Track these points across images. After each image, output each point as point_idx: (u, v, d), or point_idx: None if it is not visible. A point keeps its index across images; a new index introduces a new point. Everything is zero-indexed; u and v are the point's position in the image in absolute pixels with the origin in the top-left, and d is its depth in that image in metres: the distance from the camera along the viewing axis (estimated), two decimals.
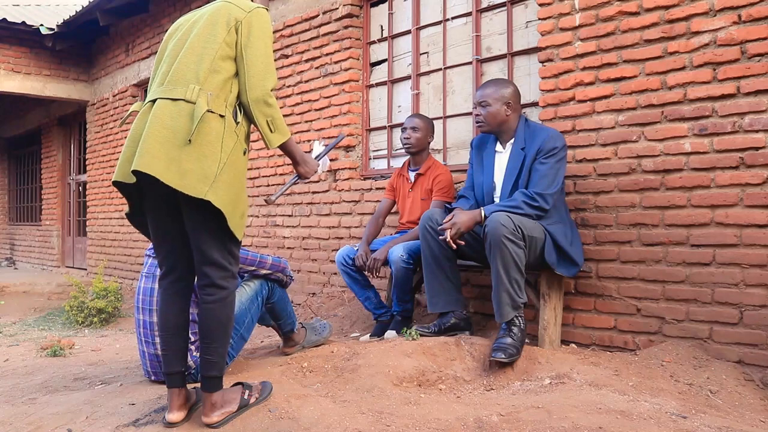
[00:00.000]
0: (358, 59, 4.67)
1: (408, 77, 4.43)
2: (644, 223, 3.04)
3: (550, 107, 3.40)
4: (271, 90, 2.15)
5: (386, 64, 4.58)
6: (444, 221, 2.94)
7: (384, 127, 4.59)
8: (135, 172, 2.02)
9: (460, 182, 3.70)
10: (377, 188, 4.38)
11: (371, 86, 4.68)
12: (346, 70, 4.64)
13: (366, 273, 3.55)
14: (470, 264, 3.26)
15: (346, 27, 4.67)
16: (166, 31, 2.28)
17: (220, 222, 2.07)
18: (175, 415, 2.15)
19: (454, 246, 2.91)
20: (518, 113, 3.14)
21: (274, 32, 5.20)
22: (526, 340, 2.88)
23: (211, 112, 2.06)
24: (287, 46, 5.15)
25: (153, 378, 2.70)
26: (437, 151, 4.17)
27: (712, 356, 2.78)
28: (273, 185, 5.28)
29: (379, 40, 4.62)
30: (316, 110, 4.87)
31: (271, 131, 2.16)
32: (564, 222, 3.00)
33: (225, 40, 2.13)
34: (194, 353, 2.54)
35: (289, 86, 5.13)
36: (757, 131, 2.71)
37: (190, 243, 2.14)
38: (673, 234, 2.95)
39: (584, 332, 3.24)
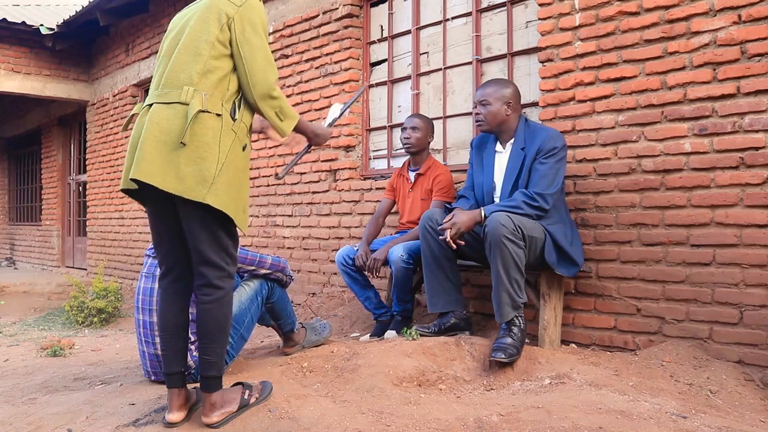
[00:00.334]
0: (358, 59, 4.67)
1: (408, 77, 4.43)
2: (644, 223, 3.04)
3: (550, 107, 3.40)
4: (275, 83, 2.17)
5: (386, 64, 4.58)
6: (444, 221, 2.94)
7: (384, 127, 4.59)
8: (134, 179, 2.04)
9: (460, 182, 3.70)
10: (377, 188, 4.38)
11: (371, 86, 4.68)
12: (346, 70, 4.64)
13: (366, 273, 3.55)
14: (470, 264, 3.26)
15: (346, 27, 4.67)
16: (166, 30, 2.29)
17: (217, 222, 2.07)
18: (175, 415, 2.15)
19: (454, 246, 2.91)
20: (518, 113, 3.14)
21: (274, 32, 5.22)
22: (526, 340, 2.88)
23: (207, 111, 2.05)
24: (287, 46, 5.15)
25: (153, 378, 2.70)
26: (437, 151, 4.17)
27: (712, 356, 2.78)
28: (273, 185, 5.28)
29: (379, 40, 4.62)
30: (317, 110, 4.87)
31: (281, 120, 2.21)
32: (564, 222, 3.00)
33: (218, 38, 2.11)
34: (194, 353, 2.54)
35: (289, 86, 5.13)
36: (757, 131, 2.71)
37: (188, 243, 2.14)
38: (673, 234, 2.95)
39: (584, 332, 3.24)
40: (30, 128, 10.54)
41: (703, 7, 2.86)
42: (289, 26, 5.14)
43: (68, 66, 8.35)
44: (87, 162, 8.54)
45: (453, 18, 4.16)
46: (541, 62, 3.45)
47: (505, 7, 3.85)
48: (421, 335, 3.00)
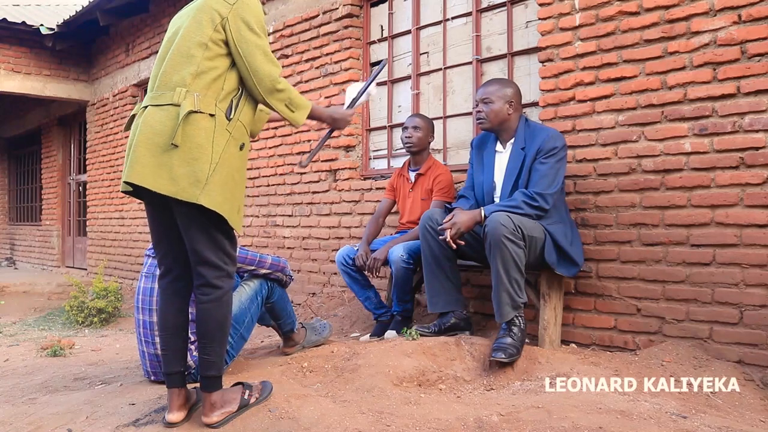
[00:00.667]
0: (359, 59, 4.67)
1: (408, 77, 4.43)
2: (644, 223, 3.04)
3: (550, 107, 3.40)
4: (279, 76, 2.17)
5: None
6: (444, 221, 2.94)
7: (384, 127, 4.59)
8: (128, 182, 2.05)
9: (460, 182, 3.70)
10: (377, 188, 4.38)
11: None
12: (346, 70, 4.64)
13: (366, 273, 3.55)
14: (470, 264, 3.26)
15: (346, 27, 4.67)
16: (167, 30, 2.29)
17: (213, 222, 2.07)
18: (175, 415, 2.15)
19: (454, 246, 2.91)
20: (519, 113, 3.14)
21: (274, 32, 5.22)
22: (526, 340, 2.88)
23: (199, 112, 2.03)
24: (287, 46, 5.15)
25: (153, 378, 2.70)
26: (437, 151, 4.17)
27: (712, 356, 2.78)
28: (273, 185, 5.28)
29: (379, 40, 4.62)
30: None
31: (292, 111, 2.23)
32: (564, 222, 3.00)
33: (211, 38, 2.10)
34: (194, 353, 2.54)
35: None
36: (757, 131, 2.71)
37: (185, 243, 2.14)
38: (673, 234, 2.95)
39: (584, 332, 3.24)
40: (30, 128, 10.54)
41: (703, 7, 2.86)
42: (289, 26, 5.14)
43: (68, 66, 8.35)
44: (87, 162, 8.54)
45: (453, 18, 4.16)
46: (541, 62, 3.45)
47: (505, 7, 3.85)
48: (421, 335, 3.00)
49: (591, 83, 3.23)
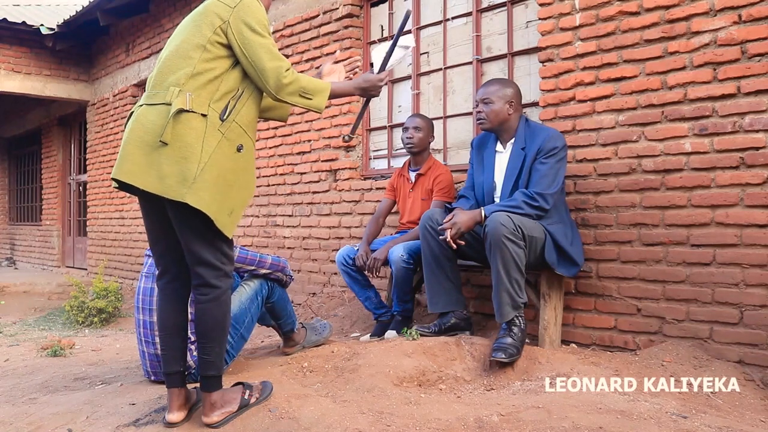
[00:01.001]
0: (359, 59, 4.67)
1: (408, 77, 4.43)
2: (644, 223, 3.04)
3: (550, 107, 3.40)
4: (286, 70, 2.14)
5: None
6: (444, 221, 2.94)
7: (384, 127, 4.59)
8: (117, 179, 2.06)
9: (460, 182, 3.70)
10: (377, 188, 4.38)
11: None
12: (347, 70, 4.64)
13: (366, 273, 3.55)
14: (470, 264, 3.26)
15: (346, 27, 4.67)
16: (167, 30, 2.30)
17: (206, 222, 2.05)
18: (175, 415, 2.15)
19: (454, 246, 2.91)
20: (519, 113, 3.14)
21: (274, 32, 5.21)
22: (527, 340, 2.88)
23: (191, 111, 2.03)
24: (287, 46, 5.15)
25: (153, 378, 2.70)
26: (437, 151, 4.17)
27: (712, 356, 2.78)
28: (273, 185, 5.28)
29: (380, 40, 4.62)
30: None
31: (310, 99, 2.21)
32: (564, 222, 3.00)
33: (210, 40, 2.10)
34: (194, 353, 2.54)
35: None
36: (757, 131, 2.71)
37: (181, 244, 2.14)
38: (674, 234, 2.95)
39: (584, 332, 3.24)
40: (30, 128, 10.55)
41: (703, 7, 2.86)
42: (289, 26, 5.14)
43: (68, 66, 8.35)
44: (87, 162, 8.54)
45: (453, 18, 4.16)
46: (542, 62, 3.45)
47: (506, 7, 3.85)
48: (422, 335, 3.00)
49: (591, 83, 3.23)
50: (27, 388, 2.86)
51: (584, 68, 3.26)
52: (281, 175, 5.21)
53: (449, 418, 2.12)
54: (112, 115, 7.91)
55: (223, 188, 2.07)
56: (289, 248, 5.11)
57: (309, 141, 4.93)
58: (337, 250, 4.10)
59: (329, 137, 4.77)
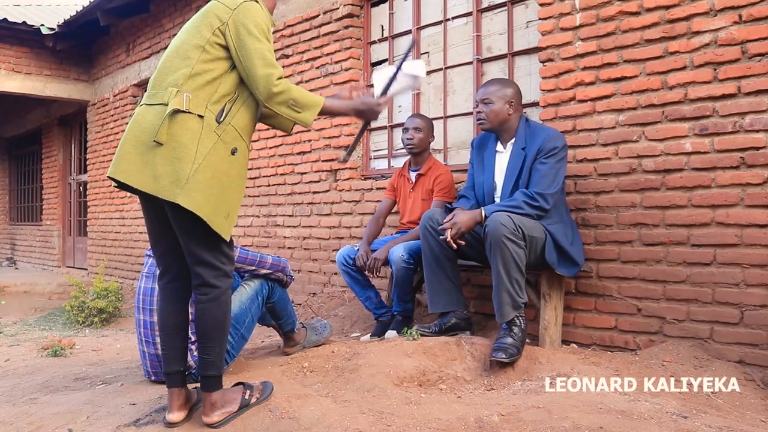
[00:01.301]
0: (359, 59, 4.67)
1: None
2: (645, 223, 3.04)
3: (550, 107, 3.40)
4: (278, 79, 2.10)
5: (387, 64, 4.57)
6: (444, 221, 2.94)
7: (384, 127, 4.59)
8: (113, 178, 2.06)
9: (460, 182, 3.70)
10: (378, 188, 4.38)
11: (372, 86, 4.66)
12: (347, 70, 4.64)
13: (366, 273, 3.55)
14: (471, 264, 3.26)
15: (346, 27, 4.67)
16: (167, 30, 2.30)
17: (205, 222, 2.05)
18: (176, 415, 2.15)
19: (455, 246, 2.91)
20: (520, 113, 3.14)
21: (274, 32, 5.21)
22: (527, 340, 2.88)
23: (187, 112, 2.03)
24: (288, 46, 5.15)
25: (153, 378, 2.70)
26: (438, 151, 4.17)
27: (712, 356, 2.78)
28: (274, 185, 5.28)
29: (380, 40, 4.62)
30: None
31: (299, 112, 2.16)
32: (564, 222, 3.00)
33: (209, 41, 2.10)
34: (195, 353, 2.54)
35: None
36: (757, 131, 2.71)
37: (181, 244, 2.14)
38: (674, 234, 2.95)
39: (585, 332, 3.24)
40: (31, 128, 10.55)
41: (703, 7, 2.86)
42: (289, 26, 5.14)
43: (69, 66, 8.35)
44: (88, 162, 8.54)
45: (453, 18, 4.16)
46: (542, 62, 3.45)
47: (506, 7, 3.85)
48: (422, 335, 3.00)
49: (591, 83, 3.23)
50: (27, 388, 2.86)
51: (584, 68, 3.26)
52: (282, 175, 5.21)
53: (450, 418, 2.12)
54: (112, 115, 7.91)
55: (218, 190, 2.06)
56: (289, 248, 5.11)
57: (309, 141, 4.93)
58: (338, 250, 4.10)
59: (329, 137, 4.77)
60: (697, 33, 2.88)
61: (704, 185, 2.86)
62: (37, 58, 8.10)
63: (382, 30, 4.62)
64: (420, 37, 4.37)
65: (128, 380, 2.84)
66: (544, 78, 3.44)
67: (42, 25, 7.68)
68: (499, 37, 3.90)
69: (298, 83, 5.04)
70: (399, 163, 4.29)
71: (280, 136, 5.23)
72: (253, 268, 2.79)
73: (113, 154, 8.06)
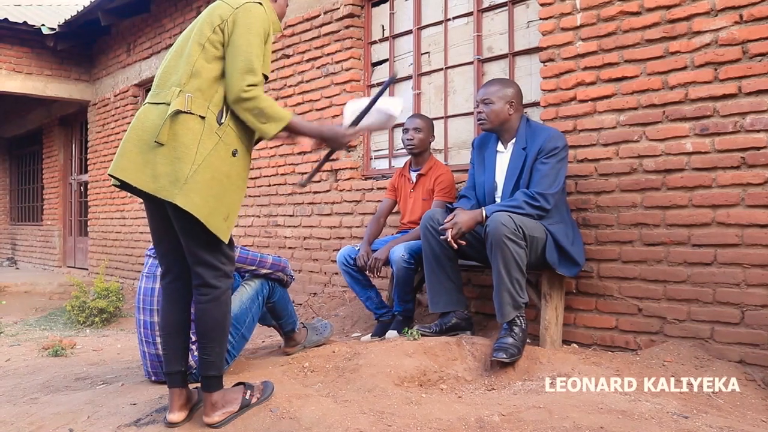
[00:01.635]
0: (360, 59, 4.67)
1: (409, 77, 4.42)
2: (645, 223, 3.04)
3: (551, 107, 3.40)
4: (250, 85, 2.05)
5: (387, 64, 4.58)
6: (445, 221, 2.94)
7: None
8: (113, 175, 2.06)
9: (461, 182, 3.70)
10: (378, 188, 4.38)
11: (372, 86, 4.67)
12: (348, 70, 4.64)
13: (367, 273, 3.55)
14: (471, 264, 3.25)
15: (347, 27, 4.67)
16: (168, 30, 2.30)
17: (202, 223, 2.04)
18: (176, 415, 2.15)
19: (455, 246, 2.91)
20: (520, 113, 3.14)
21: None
22: (528, 340, 2.88)
23: (189, 113, 2.03)
24: (288, 46, 5.15)
25: (154, 378, 2.70)
26: (438, 151, 4.17)
27: (713, 356, 2.78)
28: (274, 185, 5.28)
29: (381, 40, 4.62)
30: (318, 110, 4.87)
31: (262, 123, 2.09)
32: (565, 222, 3.00)
33: (209, 39, 2.10)
34: (195, 353, 2.54)
35: (290, 86, 5.13)
36: (758, 131, 2.71)
37: (182, 244, 2.14)
38: (675, 234, 2.95)
39: (585, 332, 3.24)
40: (31, 128, 10.55)
41: (704, 7, 2.86)
42: (290, 26, 5.14)
43: (69, 66, 8.36)
44: (88, 162, 8.55)
45: (454, 18, 4.16)
46: (543, 62, 3.45)
47: (507, 7, 3.85)
48: (423, 335, 3.00)
49: (592, 83, 3.23)
50: (28, 387, 2.86)
51: (585, 68, 3.26)
52: (282, 175, 5.21)
53: (450, 418, 2.12)
54: (113, 115, 7.92)
55: (217, 192, 2.06)
56: (290, 248, 5.11)
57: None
58: (338, 250, 4.10)
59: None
60: (698, 33, 2.88)
61: (705, 185, 2.86)
62: (37, 58, 8.11)
63: (383, 30, 4.62)
64: (421, 36, 4.37)
65: (129, 380, 2.84)
66: (544, 78, 3.43)
67: (43, 25, 7.69)
68: (499, 37, 3.90)
69: (299, 83, 5.05)
70: (400, 163, 4.29)
71: None
72: (254, 267, 2.79)
73: (114, 154, 8.07)
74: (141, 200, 2.24)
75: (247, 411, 2.20)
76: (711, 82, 2.84)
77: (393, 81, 2.42)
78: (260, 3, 2.17)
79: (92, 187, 8.43)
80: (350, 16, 4.65)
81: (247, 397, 2.22)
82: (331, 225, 4.74)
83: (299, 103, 5.03)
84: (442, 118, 4.17)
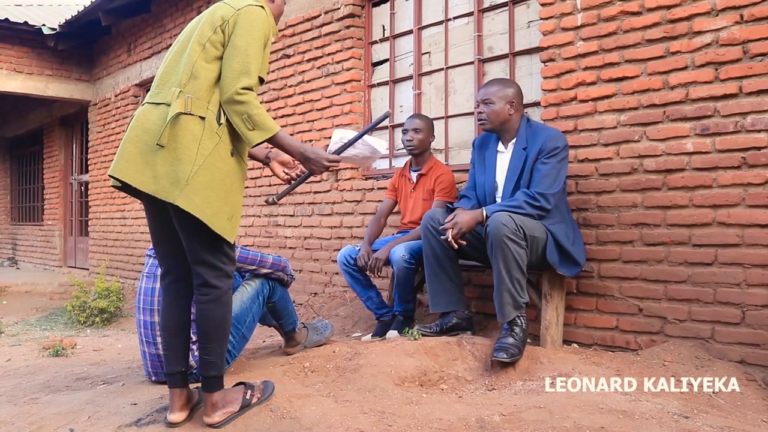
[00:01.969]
0: (360, 59, 4.67)
1: (410, 77, 4.43)
2: (646, 223, 3.04)
3: (552, 107, 3.40)
4: (244, 88, 2.05)
5: (388, 63, 4.58)
6: (446, 221, 2.94)
7: (386, 127, 4.59)
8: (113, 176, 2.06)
9: (461, 182, 3.70)
10: (379, 188, 4.38)
11: (373, 86, 4.68)
12: (348, 69, 4.64)
13: (368, 273, 3.55)
14: (472, 264, 3.25)
15: (347, 27, 4.67)
16: (168, 30, 2.30)
17: (204, 223, 2.04)
18: (177, 416, 2.15)
19: (456, 246, 2.91)
20: (521, 113, 3.14)
21: None
22: (528, 340, 2.88)
23: (189, 114, 2.03)
24: (289, 46, 5.15)
25: (154, 378, 2.70)
26: (439, 151, 4.17)
27: (714, 356, 2.78)
28: (275, 185, 5.28)
29: (381, 40, 4.62)
30: (318, 110, 4.87)
31: (249, 129, 2.07)
32: (566, 222, 3.00)
33: (210, 39, 2.10)
34: (196, 353, 2.54)
35: (290, 86, 5.13)
36: (759, 131, 2.71)
37: (183, 244, 2.14)
38: (675, 234, 2.94)
39: (586, 332, 3.24)
40: (32, 128, 10.56)
41: (705, 7, 2.85)
42: (291, 26, 5.14)
43: (70, 66, 8.36)
44: (89, 162, 8.55)
45: (455, 18, 4.16)
46: (543, 62, 3.45)
47: (507, 7, 3.85)
48: (423, 335, 3.00)
49: (593, 83, 3.23)
50: (29, 387, 2.86)
51: (586, 68, 3.26)
52: None
53: (451, 418, 2.12)
54: (113, 115, 7.92)
55: (220, 192, 2.06)
56: (290, 248, 5.11)
57: (311, 141, 4.93)
58: (339, 250, 4.10)
59: (330, 137, 4.77)
60: (699, 33, 2.88)
61: (705, 185, 2.86)
62: (38, 58, 8.11)
63: (384, 30, 4.62)
64: (421, 36, 4.37)
65: (129, 380, 2.84)
66: (545, 78, 3.43)
67: (43, 25, 7.69)
68: (500, 36, 3.90)
69: (299, 83, 5.05)
70: (400, 163, 4.29)
71: None
72: (254, 267, 2.79)
73: (114, 154, 8.07)
74: (131, 196, 2.23)
75: (247, 411, 2.20)
76: (712, 82, 2.84)
77: (386, 117, 2.47)
78: (262, 6, 2.18)
79: (93, 187, 8.44)
80: (351, 16, 4.65)
81: (248, 397, 2.22)
82: (332, 225, 4.74)
83: (300, 103, 5.03)
84: (442, 118, 4.17)
